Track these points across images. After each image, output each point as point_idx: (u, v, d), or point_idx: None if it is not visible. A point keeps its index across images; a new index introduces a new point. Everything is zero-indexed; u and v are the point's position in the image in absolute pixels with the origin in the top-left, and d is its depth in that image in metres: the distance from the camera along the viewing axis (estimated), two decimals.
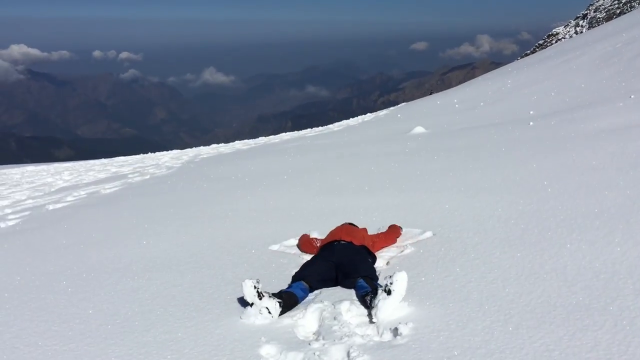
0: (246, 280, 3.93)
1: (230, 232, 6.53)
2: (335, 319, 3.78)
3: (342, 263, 4.50)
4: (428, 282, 4.20)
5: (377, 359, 3.15)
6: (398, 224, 5.63)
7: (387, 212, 6.48)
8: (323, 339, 3.50)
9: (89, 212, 9.21)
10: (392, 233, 5.41)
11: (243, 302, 4.23)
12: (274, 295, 4.00)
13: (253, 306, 3.91)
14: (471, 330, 3.35)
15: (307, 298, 4.27)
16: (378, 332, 3.55)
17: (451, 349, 3.16)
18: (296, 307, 4.07)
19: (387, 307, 3.70)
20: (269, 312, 3.86)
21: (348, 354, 3.28)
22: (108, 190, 11.54)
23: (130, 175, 13.96)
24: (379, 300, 3.73)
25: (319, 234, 5.90)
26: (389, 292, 3.72)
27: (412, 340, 3.33)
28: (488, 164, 8.29)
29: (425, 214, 6.18)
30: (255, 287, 3.89)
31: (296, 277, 4.45)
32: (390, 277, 3.76)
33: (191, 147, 24.87)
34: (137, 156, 23.29)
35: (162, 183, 11.81)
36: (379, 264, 4.88)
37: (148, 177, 13.30)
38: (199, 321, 4.00)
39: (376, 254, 5.03)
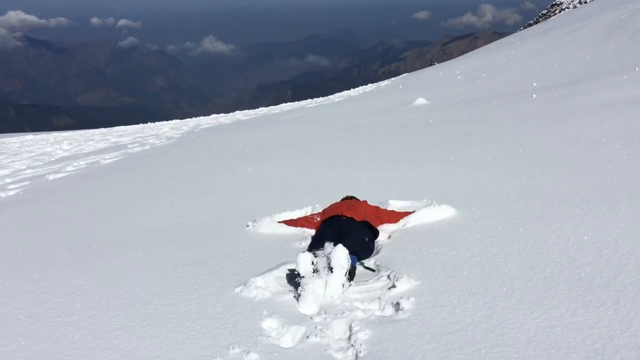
0: (305, 253, 3.84)
1: (232, 205, 6.51)
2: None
3: (341, 233, 4.51)
4: (430, 257, 4.19)
5: (379, 334, 3.16)
6: (410, 210, 5.36)
7: (389, 185, 6.45)
8: (325, 313, 3.51)
9: (89, 182, 9.19)
10: (400, 215, 5.23)
11: (245, 275, 4.24)
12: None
13: (303, 279, 3.76)
14: (473, 305, 3.35)
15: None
16: (380, 307, 3.55)
17: (453, 324, 3.16)
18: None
19: (333, 284, 3.73)
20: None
21: (350, 328, 3.29)
22: (108, 161, 11.50)
23: (130, 146, 13.92)
24: (326, 279, 3.75)
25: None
26: (331, 270, 3.76)
27: (414, 314, 3.33)
28: (491, 137, 8.24)
29: (427, 187, 6.15)
30: (313, 263, 3.80)
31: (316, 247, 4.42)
32: (330, 254, 3.78)
33: (191, 116, 24.74)
34: (137, 126, 23.22)
35: (162, 153, 11.78)
36: (381, 238, 4.86)
37: (148, 147, 13.26)
38: (200, 294, 4.00)
39: (378, 227, 5.01)
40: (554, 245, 4.05)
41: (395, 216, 5.17)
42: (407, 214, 5.17)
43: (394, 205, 5.71)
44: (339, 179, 7.10)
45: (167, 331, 3.49)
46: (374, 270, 4.16)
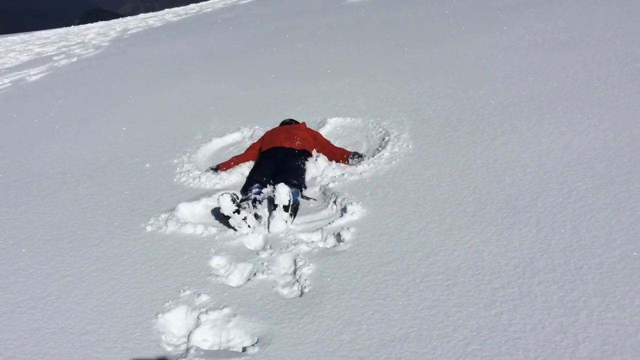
0: (224, 195, 3.88)
1: (171, 127, 6.45)
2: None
3: (281, 166, 4.60)
4: (368, 182, 4.35)
5: (322, 268, 3.35)
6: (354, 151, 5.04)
7: (328, 101, 6.48)
8: (270, 248, 3.67)
9: (16, 105, 8.79)
10: (336, 155, 4.96)
11: (190, 209, 4.33)
12: (246, 207, 4.04)
13: (230, 220, 3.90)
14: (408, 232, 3.56)
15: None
16: (322, 238, 3.72)
17: (391, 253, 3.37)
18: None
19: (277, 221, 3.88)
20: (249, 226, 3.91)
21: (295, 263, 3.46)
22: (34, 77, 10.95)
23: (55, 58, 13.21)
24: (270, 217, 3.93)
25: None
26: (274, 207, 3.91)
27: (355, 245, 3.53)
28: (425, 43, 8.26)
29: (364, 101, 6.23)
30: (234, 201, 3.87)
31: (248, 183, 4.53)
32: (272, 192, 3.94)
33: None
34: (60, 30, 21.88)
35: (92, 67, 11.28)
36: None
37: (75, 59, 12.63)
38: (147, 233, 4.07)
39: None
40: (483, 164, 4.26)
41: (327, 150, 5.02)
42: (342, 154, 4.90)
43: (332, 122, 5.80)
44: (278, 94, 7.08)
45: (117, 275, 3.58)
46: (315, 200, 4.31)
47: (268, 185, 4.42)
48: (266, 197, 4.28)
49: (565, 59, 6.14)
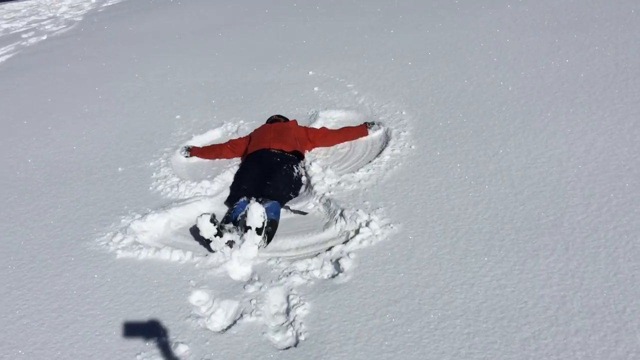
0: (203, 216, 3.41)
1: (147, 121, 5.89)
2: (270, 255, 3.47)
3: (266, 174, 4.09)
4: (367, 193, 3.85)
5: (319, 306, 2.88)
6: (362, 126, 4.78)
7: (319, 90, 5.92)
8: (259, 280, 3.18)
9: None
10: (333, 136, 4.71)
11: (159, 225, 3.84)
12: (225, 226, 3.56)
13: (212, 244, 3.45)
14: (417, 260, 3.09)
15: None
16: (318, 266, 3.24)
17: (398, 288, 2.91)
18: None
19: (247, 246, 3.42)
20: (231, 248, 3.46)
21: (287, 299, 2.99)
22: (0, 58, 10.21)
23: (24, 35, 12.41)
24: (242, 236, 3.48)
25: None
26: (245, 229, 3.47)
27: (356, 276, 3.05)
28: (420, 19, 7.70)
29: (359, 91, 5.70)
30: (214, 223, 3.41)
31: (235, 193, 4.03)
32: (247, 210, 3.51)
33: None
34: (32, 2, 20.82)
35: (63, 46, 10.55)
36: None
37: (45, 37, 11.85)
38: (116, 260, 3.55)
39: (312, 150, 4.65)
40: (497, 171, 3.80)
41: (328, 139, 4.70)
42: (339, 135, 4.72)
43: (325, 116, 5.28)
44: (261, 81, 6.51)
45: (82, 316, 3.08)
46: (305, 214, 3.81)
47: (252, 195, 3.92)
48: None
49: (577, 42, 5.63)
